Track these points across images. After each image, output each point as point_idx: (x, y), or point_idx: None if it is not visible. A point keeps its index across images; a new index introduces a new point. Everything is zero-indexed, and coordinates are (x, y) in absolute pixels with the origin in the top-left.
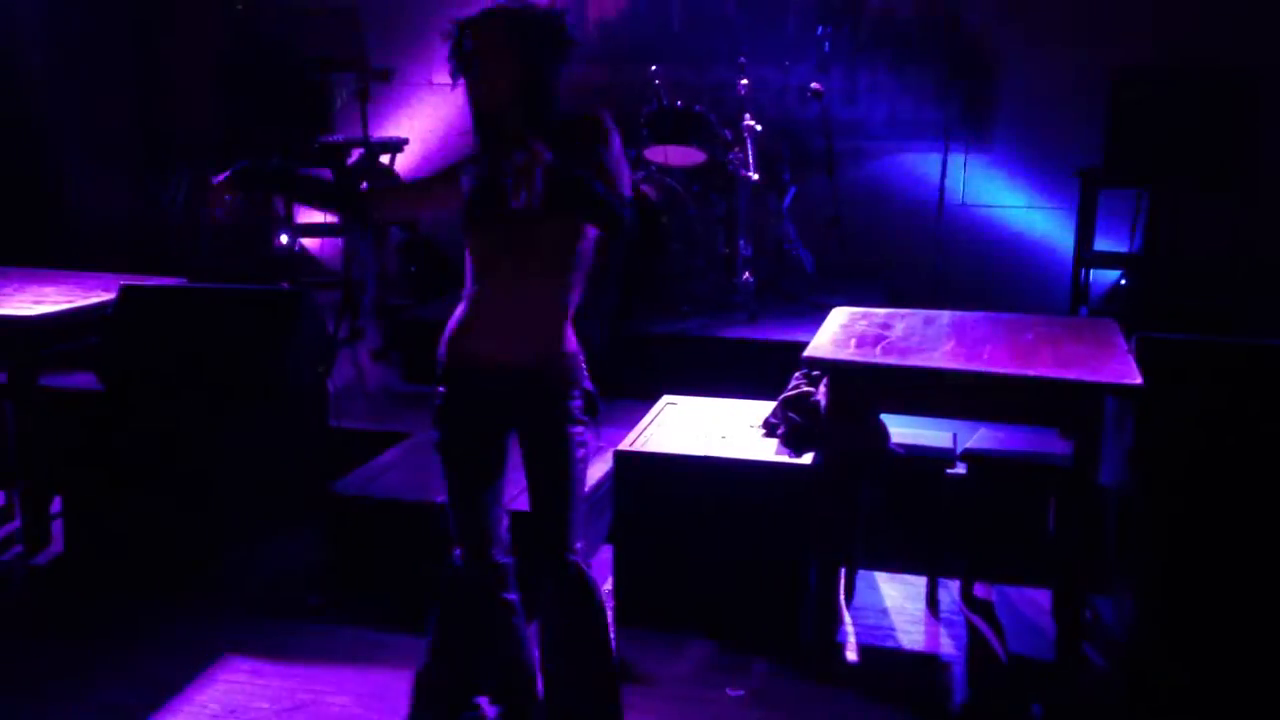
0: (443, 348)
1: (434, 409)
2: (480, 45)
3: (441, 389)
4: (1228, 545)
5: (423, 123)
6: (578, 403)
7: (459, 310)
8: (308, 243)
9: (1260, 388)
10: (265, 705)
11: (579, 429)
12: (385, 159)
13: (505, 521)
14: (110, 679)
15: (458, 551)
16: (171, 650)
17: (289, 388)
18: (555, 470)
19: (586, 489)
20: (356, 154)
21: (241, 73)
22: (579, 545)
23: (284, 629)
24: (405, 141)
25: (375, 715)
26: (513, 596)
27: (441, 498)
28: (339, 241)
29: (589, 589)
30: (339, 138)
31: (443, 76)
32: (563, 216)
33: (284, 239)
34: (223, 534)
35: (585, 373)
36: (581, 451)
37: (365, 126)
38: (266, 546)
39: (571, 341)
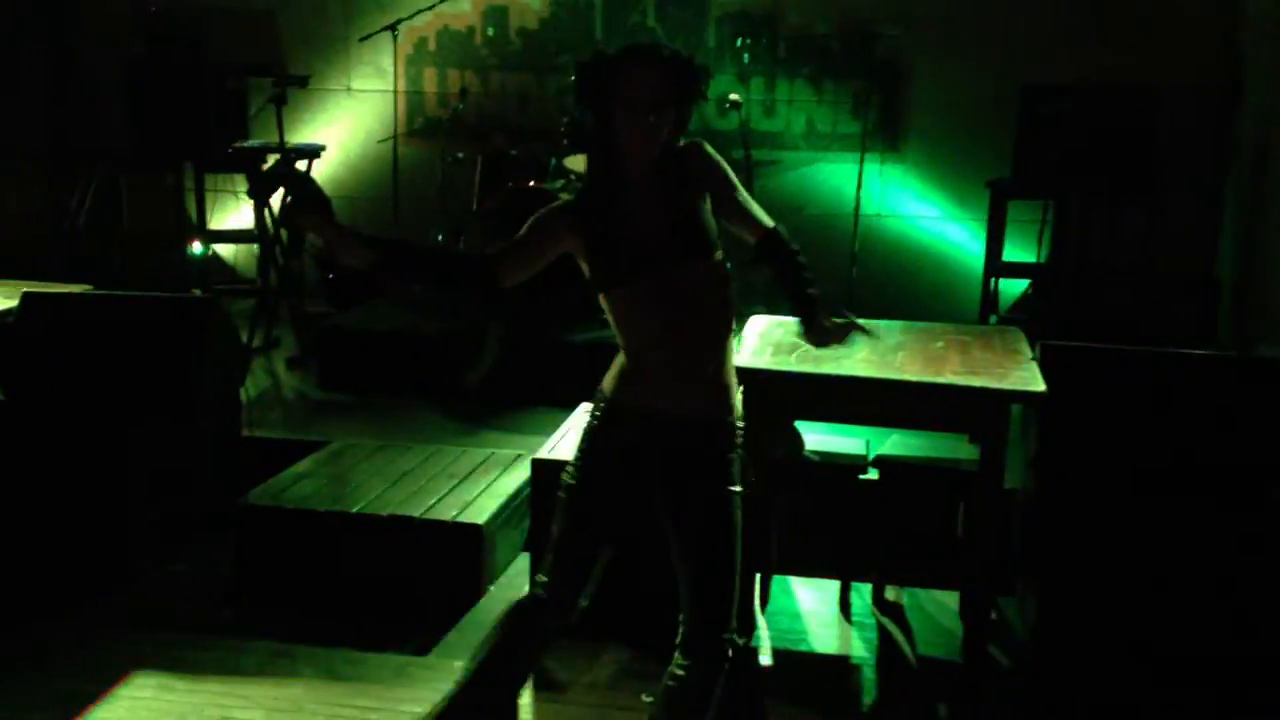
0: (611, 386)
1: (582, 450)
2: (646, 92)
3: (595, 430)
4: (1125, 547)
5: (342, 129)
6: (739, 466)
7: (629, 360)
8: (221, 249)
9: (1158, 394)
10: None
11: (738, 493)
12: (302, 165)
13: None
14: (9, 698)
15: (543, 594)
16: (76, 668)
17: (199, 397)
18: (718, 539)
19: (513, 498)
20: (273, 160)
21: (155, 76)
22: (736, 624)
23: (193, 644)
24: (323, 148)
25: None
26: None
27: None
28: (253, 248)
29: (750, 674)
30: (254, 143)
31: (361, 83)
32: (715, 261)
33: (196, 246)
34: (130, 548)
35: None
36: (740, 516)
37: (281, 132)
38: (175, 560)
39: (739, 399)
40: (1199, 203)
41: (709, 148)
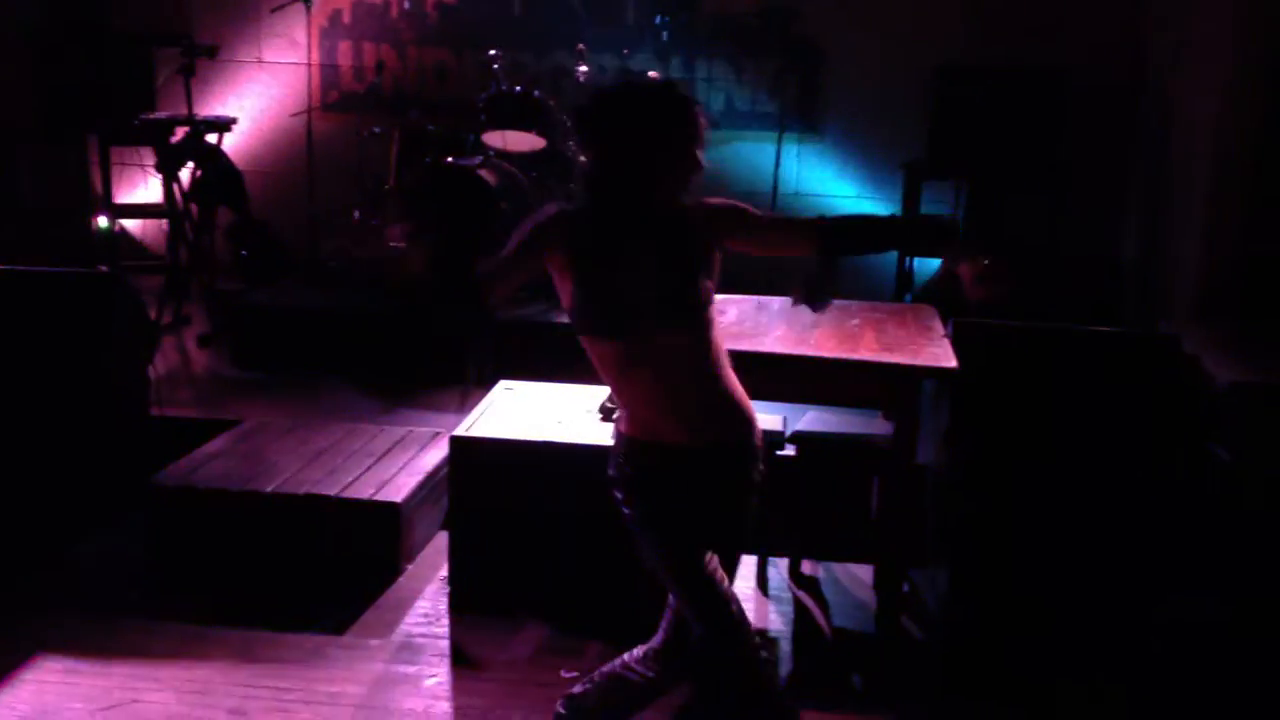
0: (622, 430)
1: (636, 503)
2: (680, 129)
3: (626, 476)
4: (1033, 520)
5: (253, 102)
6: (757, 479)
7: (628, 414)
8: (128, 224)
9: (1065, 370)
10: (79, 705)
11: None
12: (212, 138)
13: None
14: None
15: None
16: None
17: (107, 376)
18: (731, 550)
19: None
20: (181, 132)
21: (57, 47)
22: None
23: (103, 627)
24: (233, 121)
25: (198, 712)
26: None
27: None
28: (163, 223)
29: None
30: (162, 115)
31: (273, 55)
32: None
33: (102, 220)
34: (36, 530)
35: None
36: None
37: (190, 104)
38: (83, 542)
39: (751, 406)
40: (1104, 185)
41: (711, 200)
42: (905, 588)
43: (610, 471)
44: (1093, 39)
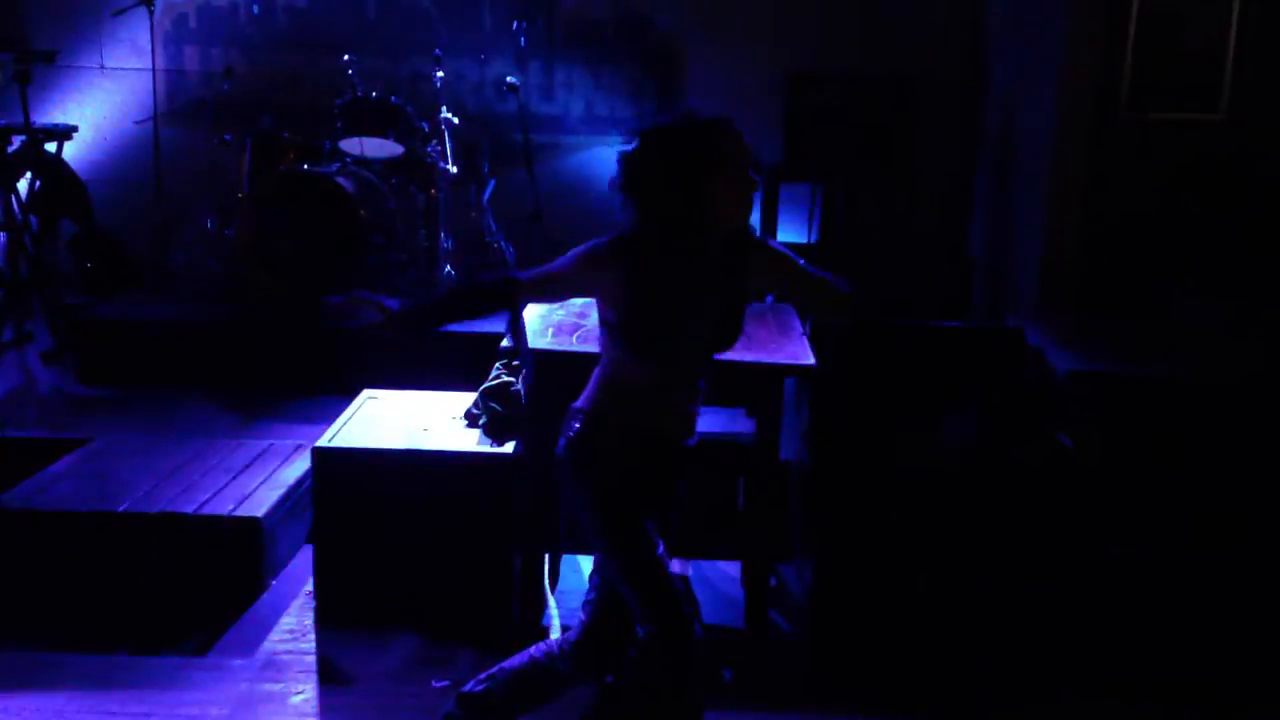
0: (591, 400)
1: (593, 483)
2: (735, 155)
3: (580, 442)
4: (892, 512)
5: (95, 109)
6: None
7: (613, 383)
8: None
9: (920, 364)
10: None
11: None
12: (51, 147)
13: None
14: None
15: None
16: None
17: None
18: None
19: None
20: (18, 141)
21: None
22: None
23: None
24: (74, 129)
25: None
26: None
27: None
28: (0, 236)
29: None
30: None
31: (116, 61)
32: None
33: None
34: None
35: None
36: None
37: (26, 112)
38: None
39: None
40: (953, 187)
41: (770, 242)
42: (773, 583)
43: (563, 450)
44: (936, 48)
